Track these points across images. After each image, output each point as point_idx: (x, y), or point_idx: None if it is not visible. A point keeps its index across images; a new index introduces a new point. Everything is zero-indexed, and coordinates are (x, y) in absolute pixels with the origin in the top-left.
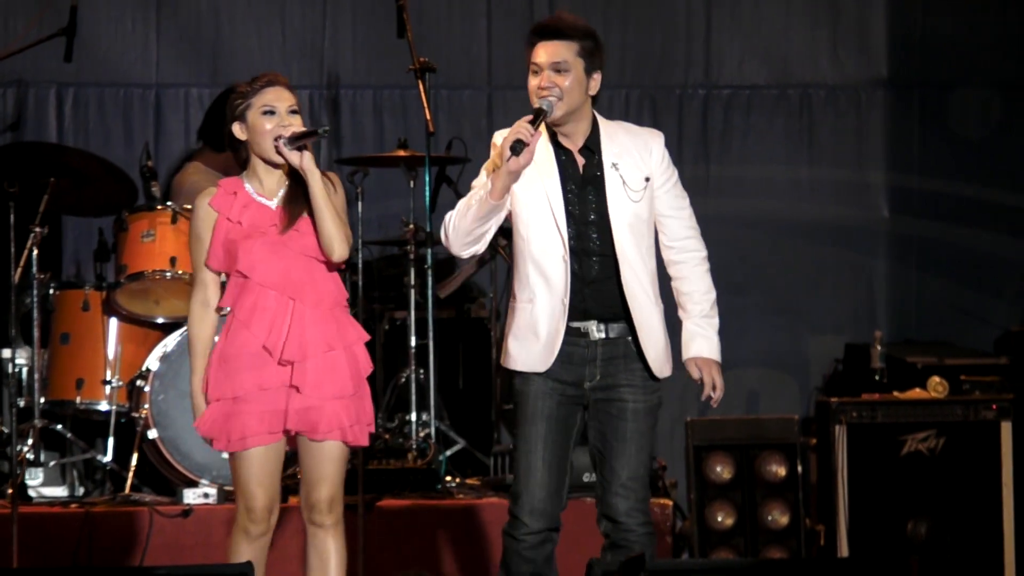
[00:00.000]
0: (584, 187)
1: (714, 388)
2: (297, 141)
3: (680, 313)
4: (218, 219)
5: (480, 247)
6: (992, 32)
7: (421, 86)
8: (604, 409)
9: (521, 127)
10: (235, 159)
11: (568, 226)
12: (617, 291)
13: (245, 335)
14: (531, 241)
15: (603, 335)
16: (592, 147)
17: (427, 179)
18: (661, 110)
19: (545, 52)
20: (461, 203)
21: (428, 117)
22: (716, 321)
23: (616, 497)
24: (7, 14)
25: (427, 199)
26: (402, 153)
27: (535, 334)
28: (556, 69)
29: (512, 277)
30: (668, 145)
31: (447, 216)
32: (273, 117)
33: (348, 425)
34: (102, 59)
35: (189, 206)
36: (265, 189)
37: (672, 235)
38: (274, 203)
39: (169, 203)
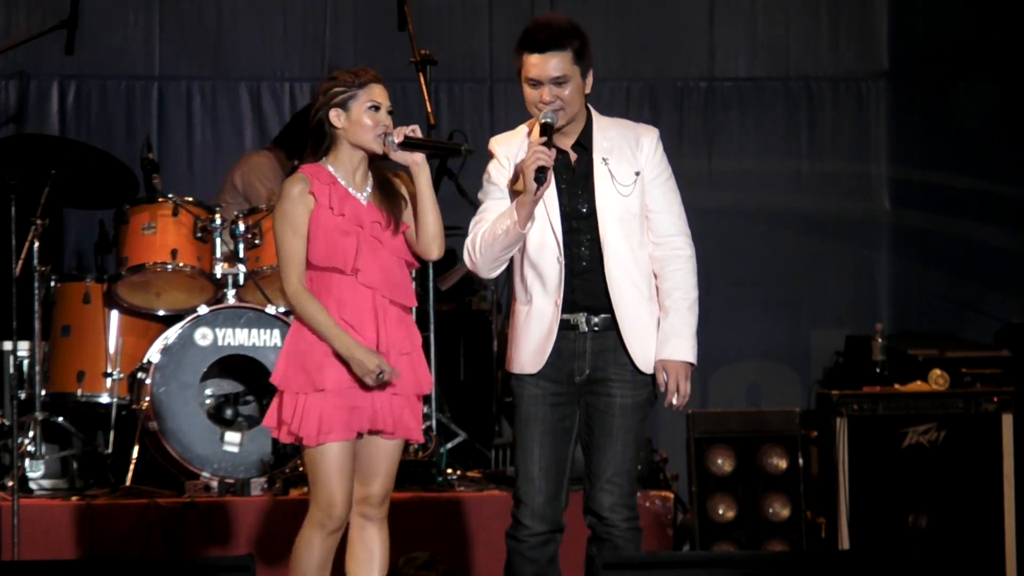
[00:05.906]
0: (575, 183)
1: (678, 393)
2: (414, 149)
3: (659, 312)
4: (316, 208)
5: (505, 265)
6: (994, 24)
7: (422, 79)
8: (593, 404)
9: (540, 154)
10: (312, 144)
11: (561, 224)
12: (604, 282)
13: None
14: (528, 240)
15: (591, 328)
16: (584, 143)
17: None
18: (662, 103)
19: (541, 68)
20: (484, 231)
21: (429, 110)
22: (693, 321)
23: (601, 492)
24: (9, 6)
25: None
26: None
27: (528, 336)
28: (556, 83)
29: (512, 275)
30: (668, 139)
31: (469, 242)
32: (376, 114)
33: (414, 425)
34: (104, 51)
35: (267, 190)
36: (355, 182)
37: (659, 232)
38: (363, 198)
39: (170, 195)
